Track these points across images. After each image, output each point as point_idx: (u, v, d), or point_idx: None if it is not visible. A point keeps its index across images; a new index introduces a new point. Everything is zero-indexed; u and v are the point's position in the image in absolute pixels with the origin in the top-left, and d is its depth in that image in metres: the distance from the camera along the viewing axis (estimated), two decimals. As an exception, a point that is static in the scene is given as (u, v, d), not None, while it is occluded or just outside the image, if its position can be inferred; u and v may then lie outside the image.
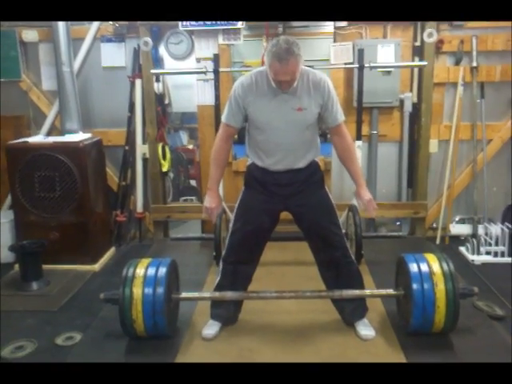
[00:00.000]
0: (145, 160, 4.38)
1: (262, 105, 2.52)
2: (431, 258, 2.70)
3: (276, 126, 2.53)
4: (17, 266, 3.74)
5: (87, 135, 3.99)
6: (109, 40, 4.23)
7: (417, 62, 4.05)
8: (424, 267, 2.63)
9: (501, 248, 3.87)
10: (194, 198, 5.16)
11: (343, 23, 4.01)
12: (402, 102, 4.18)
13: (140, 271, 2.63)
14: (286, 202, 2.68)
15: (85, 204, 3.81)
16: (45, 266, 3.60)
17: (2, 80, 4.25)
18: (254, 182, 2.71)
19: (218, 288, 2.83)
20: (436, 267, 2.63)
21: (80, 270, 3.79)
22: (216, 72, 3.80)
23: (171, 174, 4.84)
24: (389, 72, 4.02)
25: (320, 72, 2.59)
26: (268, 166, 2.63)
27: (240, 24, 3.93)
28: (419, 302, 2.55)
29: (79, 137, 3.89)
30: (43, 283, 3.52)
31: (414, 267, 2.64)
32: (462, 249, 4.04)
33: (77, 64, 4.14)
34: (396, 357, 2.56)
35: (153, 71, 4.08)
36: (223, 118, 2.64)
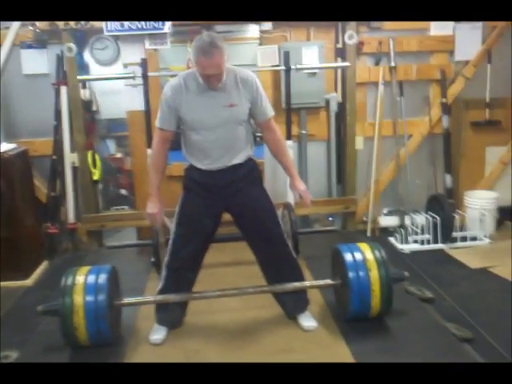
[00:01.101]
0: (74, 169, 4.25)
1: (193, 104, 2.55)
2: (364, 246, 2.85)
3: (209, 124, 2.57)
4: None
5: (11, 146, 3.83)
6: (29, 46, 4.08)
7: (340, 63, 4.24)
8: (358, 256, 2.78)
9: (426, 236, 4.10)
10: (126, 207, 5.07)
11: (268, 27, 4.12)
12: (327, 102, 4.35)
13: (80, 278, 2.59)
14: (227, 202, 2.72)
15: (13, 217, 3.65)
16: (-28, 284, 3.43)
17: None
18: (193, 184, 2.72)
19: (162, 293, 2.81)
20: (369, 255, 2.78)
21: (11, 286, 3.62)
22: (145, 77, 3.78)
23: (100, 185, 4.72)
24: (314, 74, 4.17)
25: (246, 70, 2.68)
26: (206, 166, 2.65)
27: (167, 28, 3.94)
28: (356, 289, 2.69)
29: (3, 147, 3.73)
30: (-29, 302, 3.35)
31: (348, 256, 2.78)
32: (392, 239, 4.25)
33: (-4, 72, 3.97)
34: (339, 344, 2.67)
35: (79, 77, 3.99)
36: (157, 123, 2.66)
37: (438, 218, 4.05)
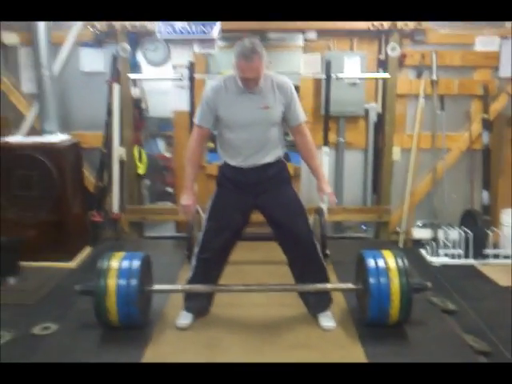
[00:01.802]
0: (121, 162, 4.51)
1: (230, 104, 2.73)
2: (388, 254, 2.92)
3: (243, 123, 2.74)
4: (-8, 263, 3.84)
5: (65, 137, 4.13)
6: (88, 45, 4.36)
7: (381, 74, 4.31)
8: (380, 263, 2.84)
9: (458, 251, 4.11)
10: (169, 202, 5.29)
11: (313, 35, 4.24)
12: (367, 111, 4.42)
13: (114, 264, 2.79)
14: (257, 200, 2.87)
15: (62, 203, 3.94)
16: (22, 263, 3.71)
17: (-19, 82, 4.36)
18: (225, 181, 2.89)
19: (190, 282, 2.99)
20: (392, 263, 2.84)
21: (57, 267, 3.89)
22: (191, 79, 3.98)
23: (147, 182, 4.95)
24: (355, 83, 4.26)
25: (283, 76, 2.84)
26: (238, 164, 2.81)
27: (215, 34, 4.13)
28: (375, 295, 2.76)
29: (58, 138, 4.02)
30: (20, 279, 3.61)
31: (371, 263, 2.85)
32: (423, 251, 4.27)
33: (56, 68, 4.26)
34: (354, 346, 2.76)
35: (130, 76, 4.24)
36: (196, 120, 2.84)
37: (470, 233, 4.05)
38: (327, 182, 2.95)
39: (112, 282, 2.71)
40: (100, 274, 2.75)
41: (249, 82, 2.64)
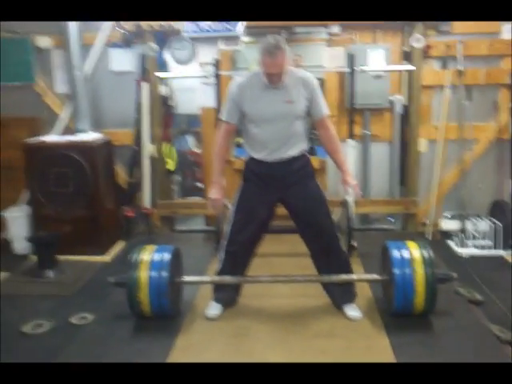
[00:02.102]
0: (152, 159, 4.64)
1: (255, 99, 2.81)
2: (412, 245, 2.96)
3: (268, 117, 2.81)
4: (31, 258, 4.04)
5: (98, 135, 4.28)
6: (117, 46, 4.50)
7: (405, 66, 4.31)
8: (405, 254, 2.89)
9: (487, 242, 4.10)
10: (199, 197, 5.41)
11: (336, 29, 4.28)
12: (392, 103, 4.43)
13: (146, 256, 2.91)
14: (282, 193, 2.94)
15: (96, 199, 4.09)
16: (59, 257, 3.87)
17: (17, 83, 4.54)
18: (251, 175, 2.97)
19: (219, 274, 3.09)
20: (416, 253, 2.88)
21: (92, 260, 4.05)
22: (216, 76, 4.07)
23: (178, 177, 5.07)
24: (379, 75, 4.27)
25: (306, 71, 2.92)
26: (263, 157, 2.89)
27: (239, 31, 4.20)
28: (400, 285, 2.81)
29: (91, 136, 4.18)
30: (58, 272, 3.78)
31: (396, 253, 2.90)
32: (451, 242, 4.27)
33: (88, 68, 4.41)
34: (379, 335, 2.81)
35: (158, 74, 4.36)
36: (222, 116, 2.93)
37: (499, 224, 4.03)
38: (351, 174, 3.00)
39: (144, 274, 2.83)
40: (133, 267, 2.87)
41: (273, 77, 2.72)
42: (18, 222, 4.31)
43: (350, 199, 3.87)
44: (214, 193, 2.98)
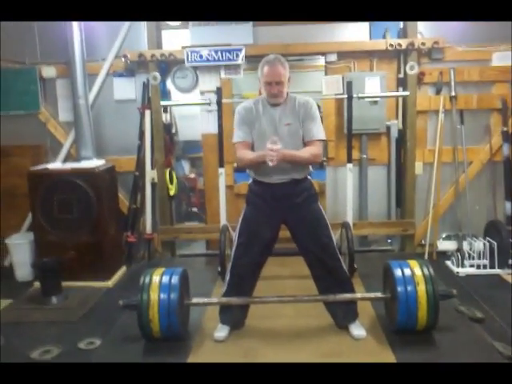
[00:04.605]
0: (153, 184, 4.72)
1: (259, 121, 2.94)
2: (413, 263, 3.04)
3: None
4: (35, 284, 4.06)
5: (101, 162, 4.35)
6: (120, 75, 4.63)
7: (400, 92, 4.47)
8: (407, 271, 2.97)
9: (483, 261, 4.18)
10: (196, 222, 5.48)
11: (333, 58, 4.45)
12: (388, 128, 4.58)
13: (156, 278, 2.97)
14: (285, 215, 3.01)
15: (99, 225, 4.13)
16: (62, 283, 3.89)
17: (22, 112, 4.64)
18: (254, 197, 3.05)
19: (225, 296, 3.14)
20: (417, 271, 2.97)
21: (95, 286, 4.07)
22: (219, 103, 4.19)
23: (173, 203, 5.14)
24: (376, 101, 4.42)
25: (307, 97, 3.03)
26: (267, 179, 2.97)
27: (240, 60, 4.35)
28: (403, 301, 2.88)
29: (94, 163, 4.25)
30: (62, 298, 3.80)
31: (398, 272, 2.98)
32: (448, 262, 4.35)
33: (91, 97, 4.51)
34: (385, 352, 2.87)
35: (162, 103, 4.48)
36: (235, 138, 2.98)
37: (495, 243, 4.12)
38: (284, 151, 2.82)
39: (154, 295, 2.88)
40: (143, 289, 2.92)
41: (273, 89, 2.85)
42: (21, 249, 4.34)
43: (350, 219, 3.95)
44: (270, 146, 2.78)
